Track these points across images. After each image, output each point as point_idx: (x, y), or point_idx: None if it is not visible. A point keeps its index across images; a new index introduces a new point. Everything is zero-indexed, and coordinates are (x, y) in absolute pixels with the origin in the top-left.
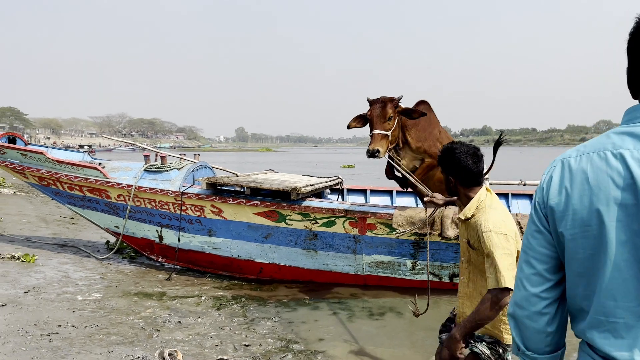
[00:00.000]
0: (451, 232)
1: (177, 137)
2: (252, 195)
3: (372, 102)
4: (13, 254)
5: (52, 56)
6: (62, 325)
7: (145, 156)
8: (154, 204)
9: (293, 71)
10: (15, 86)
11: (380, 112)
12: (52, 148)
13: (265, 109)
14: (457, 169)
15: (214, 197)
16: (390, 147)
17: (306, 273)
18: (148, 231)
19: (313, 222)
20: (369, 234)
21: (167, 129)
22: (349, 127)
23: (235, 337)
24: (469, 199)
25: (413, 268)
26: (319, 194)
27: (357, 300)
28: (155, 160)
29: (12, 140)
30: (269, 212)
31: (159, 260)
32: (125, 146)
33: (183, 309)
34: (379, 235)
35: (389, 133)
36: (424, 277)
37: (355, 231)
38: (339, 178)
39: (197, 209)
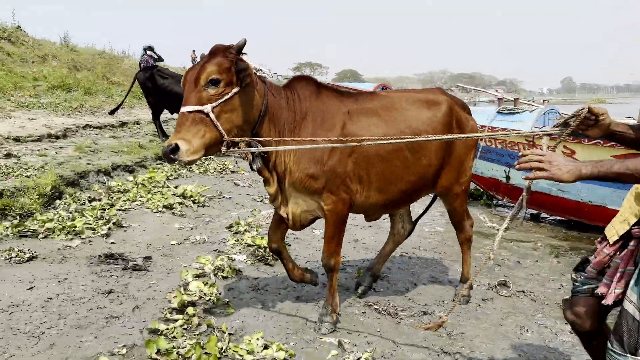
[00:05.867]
0: None
1: (497, 91)
2: None
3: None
4: None
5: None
6: (416, 248)
7: (499, 99)
8: (504, 144)
9: None
10: (356, 52)
11: (197, 72)
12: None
13: (597, 57)
14: None
15: (567, 138)
16: (232, 140)
17: None
18: (496, 171)
19: None
20: None
21: (487, 83)
22: None
23: None
24: None
25: None
26: None
27: None
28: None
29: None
30: (630, 155)
31: (504, 199)
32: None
33: (520, 251)
34: None
35: (207, 108)
36: None
37: None
38: None
39: (548, 149)
